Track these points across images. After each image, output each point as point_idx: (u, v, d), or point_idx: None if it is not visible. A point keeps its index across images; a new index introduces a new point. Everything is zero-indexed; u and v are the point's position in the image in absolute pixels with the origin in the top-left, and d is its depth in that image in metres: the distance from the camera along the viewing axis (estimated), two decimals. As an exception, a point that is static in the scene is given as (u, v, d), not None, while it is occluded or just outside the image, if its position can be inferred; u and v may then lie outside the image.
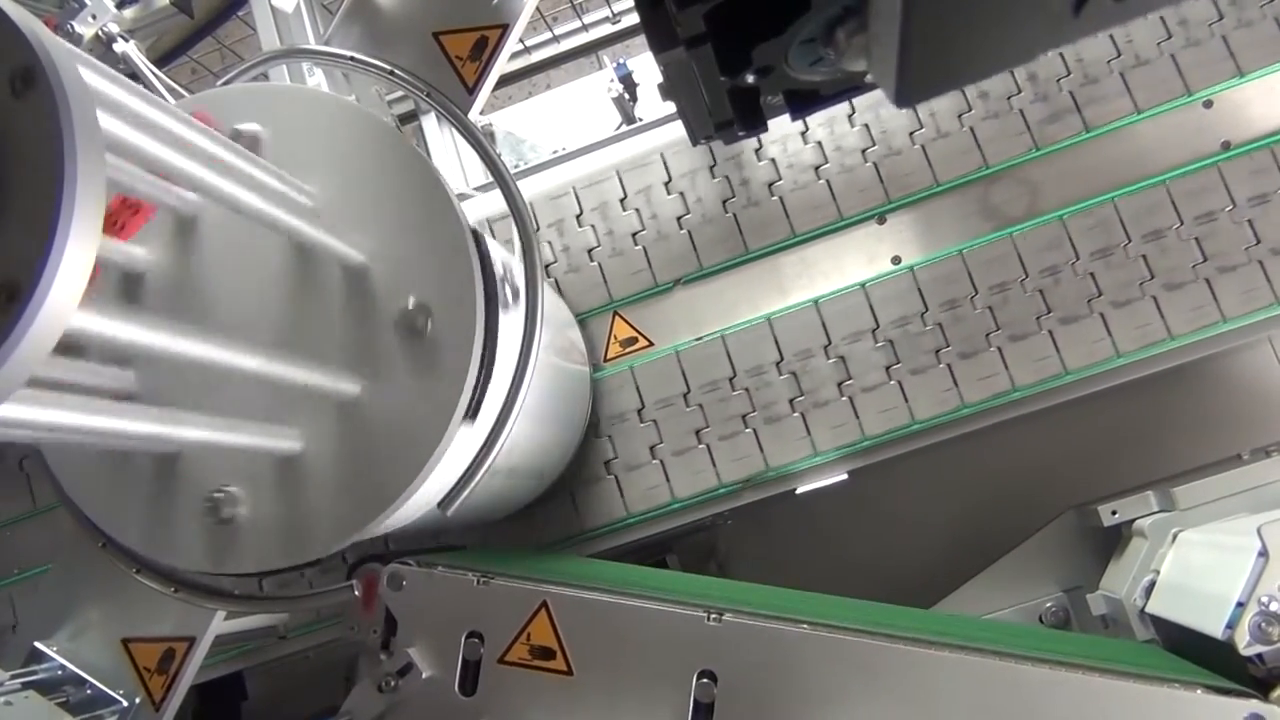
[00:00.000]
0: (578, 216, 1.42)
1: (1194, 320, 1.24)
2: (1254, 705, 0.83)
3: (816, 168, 1.37)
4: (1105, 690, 0.86)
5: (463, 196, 1.49)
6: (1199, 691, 0.85)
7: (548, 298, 1.04)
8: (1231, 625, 0.89)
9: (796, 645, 0.91)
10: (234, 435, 0.80)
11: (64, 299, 0.51)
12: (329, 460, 0.88)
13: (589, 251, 1.41)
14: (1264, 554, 0.89)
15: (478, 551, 1.29)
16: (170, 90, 1.20)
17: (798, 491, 1.33)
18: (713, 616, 0.92)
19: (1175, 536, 1.13)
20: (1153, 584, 1.13)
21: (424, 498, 0.91)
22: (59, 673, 1.12)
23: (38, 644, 1.13)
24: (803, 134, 1.38)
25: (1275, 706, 0.83)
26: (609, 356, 1.39)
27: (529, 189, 1.44)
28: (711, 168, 1.39)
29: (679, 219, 1.39)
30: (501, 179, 1.07)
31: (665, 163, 1.41)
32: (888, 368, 1.29)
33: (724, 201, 1.38)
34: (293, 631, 1.41)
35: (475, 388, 0.88)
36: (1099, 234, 1.27)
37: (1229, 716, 0.84)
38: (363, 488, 0.87)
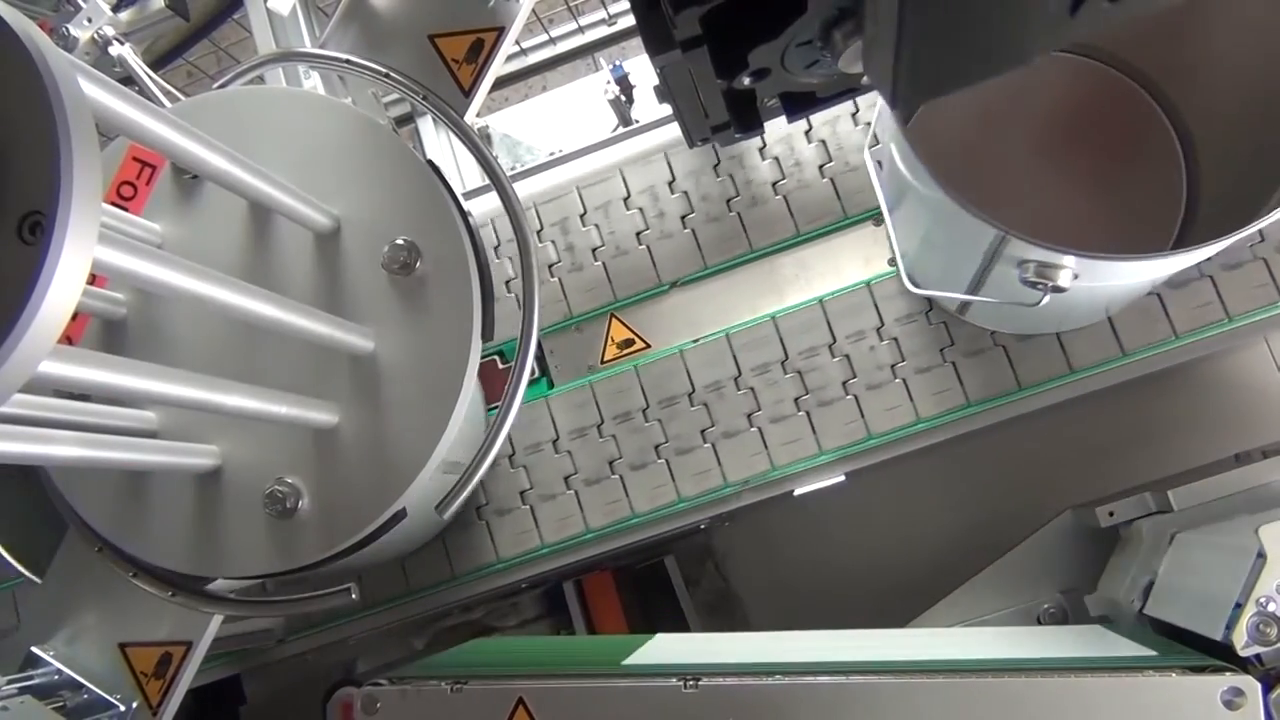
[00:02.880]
0: (582, 216, 1.43)
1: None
2: (1230, 679, 0.83)
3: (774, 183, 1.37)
4: (1084, 689, 0.86)
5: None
6: (1174, 675, 0.85)
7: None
8: (1230, 626, 0.88)
9: (773, 698, 0.91)
10: (276, 407, 0.85)
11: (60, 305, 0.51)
12: (362, 426, 0.94)
13: (594, 250, 1.41)
14: (1261, 555, 0.89)
15: (457, 651, 1.28)
16: (166, 93, 1.19)
17: (795, 493, 1.33)
18: (689, 684, 0.93)
19: (1173, 538, 1.13)
20: (1150, 585, 1.12)
21: (425, 491, 0.94)
22: (55, 677, 1.11)
23: (34, 648, 1.13)
24: (806, 133, 1.38)
25: (1252, 678, 0.83)
26: (606, 359, 1.39)
27: (526, 190, 1.44)
28: (716, 166, 1.40)
29: (683, 217, 1.40)
30: (498, 181, 1.07)
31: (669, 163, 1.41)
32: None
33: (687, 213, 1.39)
34: (291, 635, 1.41)
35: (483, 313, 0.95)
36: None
37: (1209, 694, 0.84)
38: (401, 443, 0.94)
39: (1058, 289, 0.95)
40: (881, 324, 1.31)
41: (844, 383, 1.31)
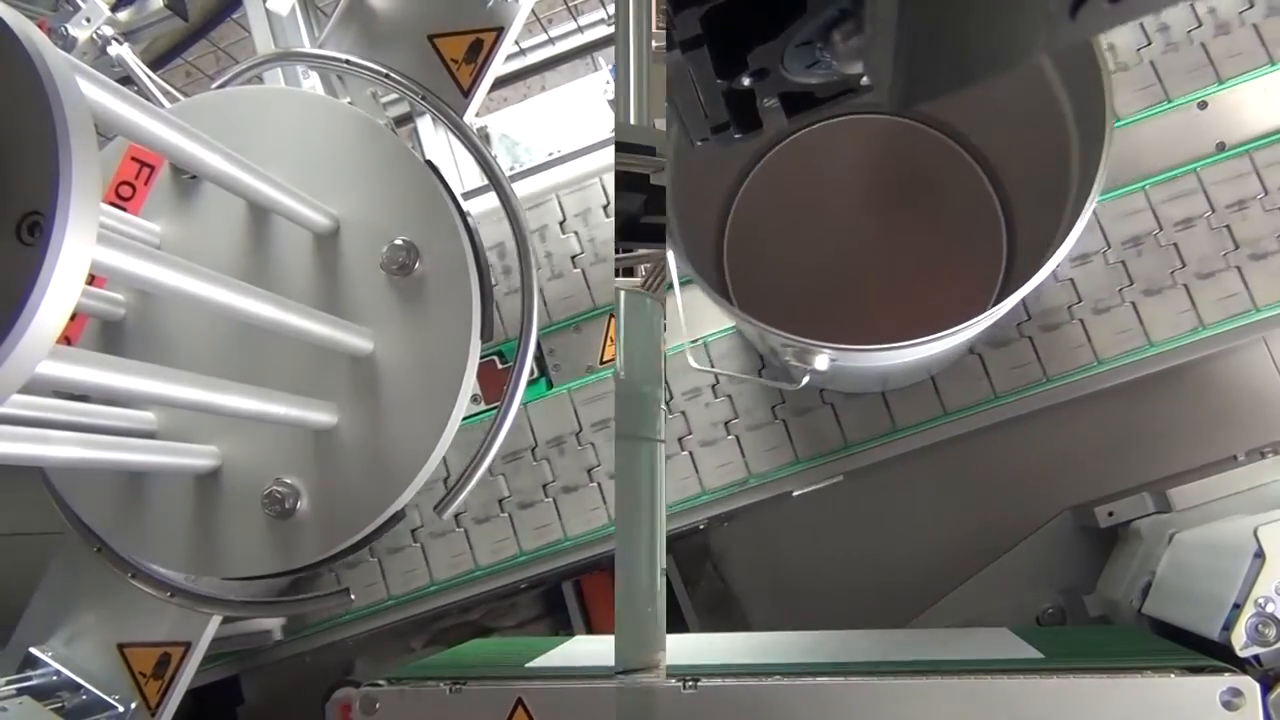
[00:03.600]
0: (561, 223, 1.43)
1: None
2: (1229, 680, 0.83)
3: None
4: (1083, 689, 0.85)
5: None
6: (1173, 676, 0.84)
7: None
8: (1228, 627, 0.88)
9: (773, 698, 0.91)
10: (275, 407, 0.86)
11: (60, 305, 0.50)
12: (361, 426, 0.95)
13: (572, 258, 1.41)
14: (1260, 555, 0.89)
15: (456, 651, 1.29)
16: (165, 93, 1.19)
17: (794, 494, 1.33)
18: (688, 684, 0.92)
19: (1172, 538, 1.13)
20: (1149, 585, 1.13)
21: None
22: (54, 678, 1.12)
23: (33, 649, 1.13)
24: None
25: (1251, 679, 0.83)
26: (606, 359, 1.39)
27: (523, 190, 1.44)
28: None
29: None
30: (497, 182, 1.07)
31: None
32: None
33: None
34: (289, 635, 1.41)
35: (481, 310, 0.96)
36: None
37: (1208, 695, 0.83)
38: (400, 444, 0.95)
39: (816, 371, 0.99)
40: (716, 381, 1.33)
41: (680, 439, 1.33)
